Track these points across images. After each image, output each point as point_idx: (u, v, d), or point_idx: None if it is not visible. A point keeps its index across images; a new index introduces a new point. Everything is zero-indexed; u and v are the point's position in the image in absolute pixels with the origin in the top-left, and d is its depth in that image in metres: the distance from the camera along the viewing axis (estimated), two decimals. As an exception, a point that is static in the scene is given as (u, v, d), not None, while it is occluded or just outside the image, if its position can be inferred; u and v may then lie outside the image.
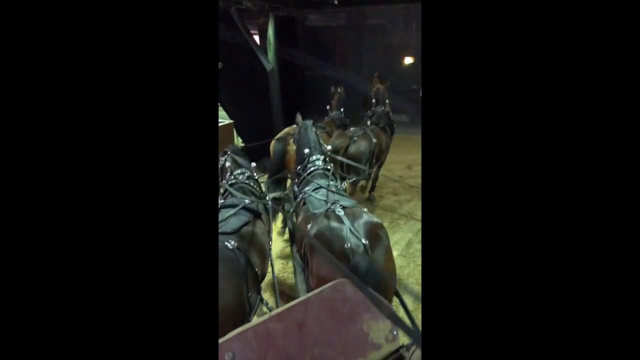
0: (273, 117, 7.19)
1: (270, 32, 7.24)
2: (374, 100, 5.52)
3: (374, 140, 4.46)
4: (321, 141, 2.98)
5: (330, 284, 1.28)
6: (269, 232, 2.45)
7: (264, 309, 2.09)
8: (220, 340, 1.09)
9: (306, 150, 2.85)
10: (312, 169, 2.70)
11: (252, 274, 1.92)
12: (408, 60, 9.12)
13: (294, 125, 4.44)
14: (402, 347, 1.22)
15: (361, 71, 8.94)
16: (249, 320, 1.85)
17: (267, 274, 2.29)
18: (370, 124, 5.02)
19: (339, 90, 5.89)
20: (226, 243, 1.84)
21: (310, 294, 1.27)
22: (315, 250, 1.92)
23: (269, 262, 2.31)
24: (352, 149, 4.25)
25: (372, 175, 5.12)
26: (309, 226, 2.08)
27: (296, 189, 2.70)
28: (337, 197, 2.26)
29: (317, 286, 1.86)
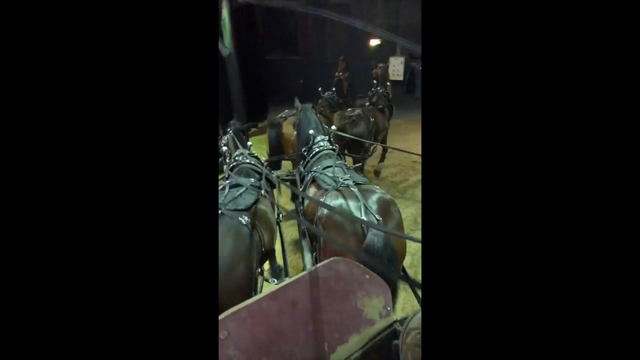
0: (233, 103, 7.05)
1: (225, 15, 6.99)
2: (374, 81, 5.65)
3: (372, 120, 4.55)
4: (322, 123, 2.99)
5: (324, 262, 1.28)
6: (276, 205, 2.45)
7: (272, 285, 2.08)
8: None
9: (310, 131, 2.85)
10: (317, 149, 2.70)
11: (260, 250, 1.94)
12: (374, 42, 9.07)
13: (287, 111, 4.35)
14: (396, 321, 1.25)
15: (325, 54, 8.90)
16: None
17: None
18: (369, 104, 5.11)
19: (340, 75, 5.98)
20: (240, 219, 1.85)
21: (304, 272, 1.27)
22: (328, 225, 1.90)
23: (275, 237, 2.31)
24: (352, 130, 4.28)
25: (375, 154, 5.21)
26: (322, 199, 2.04)
27: (302, 169, 2.69)
28: (347, 174, 2.22)
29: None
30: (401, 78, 10.08)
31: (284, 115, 4.55)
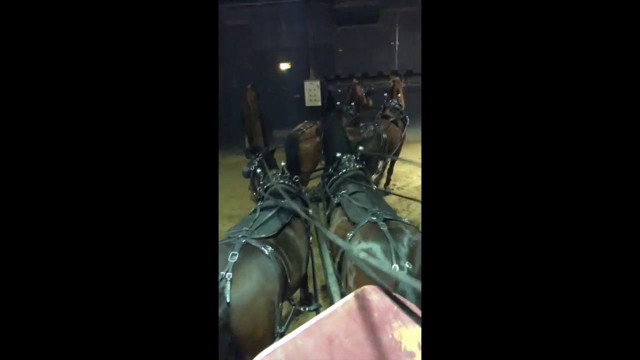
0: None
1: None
2: (385, 94, 5.76)
3: (384, 137, 4.58)
4: (349, 138, 3.02)
5: (354, 292, 1.27)
6: (308, 229, 2.45)
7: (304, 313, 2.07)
8: None
9: (338, 154, 2.87)
10: (344, 170, 2.70)
11: (283, 281, 1.89)
12: (284, 66, 8.88)
13: (305, 122, 4.44)
14: None
15: (229, 83, 8.65)
16: (279, 332, 1.82)
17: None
18: (382, 117, 5.18)
19: (359, 88, 6.11)
20: (262, 248, 1.82)
21: (336, 304, 1.25)
22: (359, 267, 1.83)
23: (305, 265, 2.27)
24: (363, 147, 4.30)
25: (387, 168, 5.29)
26: (349, 235, 2.02)
27: (327, 189, 2.66)
28: (374, 205, 2.18)
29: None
30: (319, 103, 9.68)
31: (301, 128, 4.60)
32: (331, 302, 1.78)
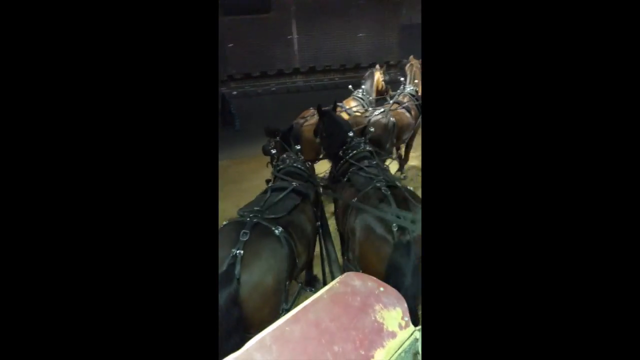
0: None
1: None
2: (402, 79, 5.60)
3: (392, 120, 4.50)
4: (353, 123, 3.15)
5: (337, 278, 1.32)
6: (319, 212, 2.52)
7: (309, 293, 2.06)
8: (240, 351, 1.07)
9: (350, 134, 2.99)
10: (353, 152, 2.81)
11: (292, 262, 1.95)
12: None
13: (311, 109, 4.33)
14: (415, 330, 1.31)
15: None
16: (284, 308, 1.89)
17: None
18: (393, 103, 5.03)
19: (379, 74, 5.92)
20: (273, 228, 1.88)
21: (321, 291, 1.29)
22: (363, 222, 1.98)
23: (313, 247, 2.34)
24: (369, 132, 4.23)
25: (400, 154, 5.20)
26: (354, 200, 2.16)
27: (336, 173, 2.77)
28: (381, 175, 2.36)
29: (360, 256, 1.98)
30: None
31: (306, 116, 4.54)
32: None
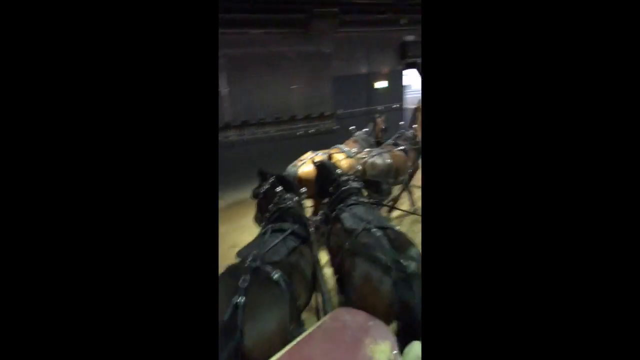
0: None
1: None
2: (401, 123, 5.67)
3: (388, 161, 4.56)
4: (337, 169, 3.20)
5: (329, 314, 1.36)
6: (316, 256, 2.50)
7: None
8: None
9: (338, 171, 3.08)
10: (343, 188, 2.86)
11: (294, 305, 1.92)
12: None
13: (309, 153, 4.43)
14: None
15: None
16: None
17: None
18: (392, 144, 5.08)
19: (380, 121, 6.07)
20: (273, 273, 1.86)
21: (313, 326, 1.32)
22: (358, 265, 2.00)
23: (312, 289, 2.31)
24: (368, 169, 4.29)
25: (400, 194, 5.12)
26: (346, 244, 2.16)
27: (327, 210, 2.78)
28: (370, 215, 2.37)
29: (358, 299, 1.95)
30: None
31: (303, 159, 4.56)
32: None
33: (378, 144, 5.89)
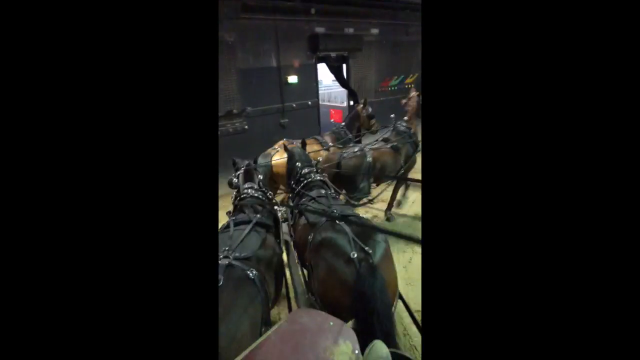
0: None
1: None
2: (392, 116, 5.19)
3: (368, 160, 4.24)
4: (309, 157, 3.27)
5: (288, 316, 1.29)
6: (280, 242, 2.55)
7: None
8: None
9: (297, 164, 3.05)
10: (304, 181, 2.86)
11: (266, 303, 1.96)
12: None
13: (282, 141, 4.16)
14: None
15: None
16: None
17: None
18: (380, 140, 4.72)
19: (363, 107, 5.54)
20: (247, 271, 1.87)
21: (270, 330, 1.23)
22: (321, 259, 2.01)
23: (281, 283, 2.35)
24: (343, 166, 4.07)
25: (393, 193, 4.94)
26: (310, 236, 2.17)
27: (291, 203, 2.86)
28: (333, 206, 2.41)
29: (323, 294, 1.97)
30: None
31: (276, 147, 4.35)
32: None
33: (357, 136, 5.61)
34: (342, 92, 9.13)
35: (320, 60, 8.03)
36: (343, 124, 5.63)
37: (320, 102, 8.50)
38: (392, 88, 9.73)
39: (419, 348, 2.88)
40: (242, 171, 3.12)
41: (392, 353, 1.26)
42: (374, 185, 4.60)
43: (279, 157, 4.30)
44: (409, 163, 4.90)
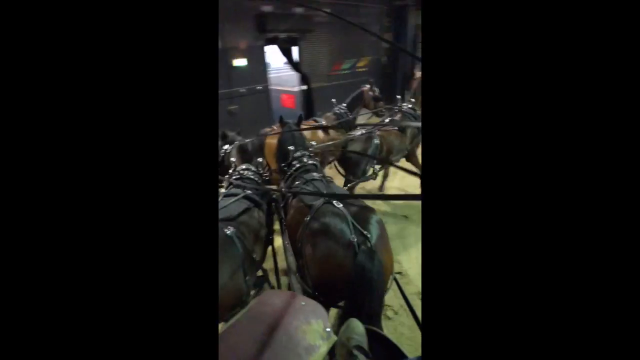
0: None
1: None
2: (398, 97, 5.08)
3: (375, 142, 4.13)
4: (305, 139, 3.19)
5: (257, 298, 1.29)
6: (271, 223, 2.64)
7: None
8: None
9: (290, 147, 2.99)
10: (297, 165, 2.84)
11: (248, 258, 2.11)
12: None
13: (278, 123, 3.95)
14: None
15: None
16: (246, 302, 2.06)
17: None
18: (387, 121, 4.59)
19: (368, 92, 5.32)
20: (224, 230, 2.02)
21: (241, 312, 1.22)
22: (318, 242, 2.01)
23: (266, 248, 2.48)
24: (350, 149, 3.95)
25: (381, 173, 4.77)
26: (306, 218, 2.14)
27: (283, 186, 2.84)
28: (330, 189, 2.44)
29: (318, 276, 2.01)
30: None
31: (274, 127, 4.24)
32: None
33: (352, 118, 5.45)
34: (294, 75, 8.94)
35: (270, 42, 7.71)
36: (344, 104, 5.40)
37: (272, 87, 8.27)
38: (344, 72, 9.64)
39: (406, 332, 2.98)
40: (235, 146, 3.13)
41: (367, 330, 1.27)
42: (377, 167, 4.61)
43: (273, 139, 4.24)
44: (413, 144, 4.95)
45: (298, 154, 3.00)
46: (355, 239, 1.92)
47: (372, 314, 1.79)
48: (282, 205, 2.73)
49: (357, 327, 1.29)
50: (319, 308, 1.33)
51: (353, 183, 4.35)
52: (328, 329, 1.29)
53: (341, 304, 2.00)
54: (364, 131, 4.36)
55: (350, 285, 1.84)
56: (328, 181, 2.69)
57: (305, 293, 2.08)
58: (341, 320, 1.83)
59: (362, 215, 2.08)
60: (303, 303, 1.32)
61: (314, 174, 2.72)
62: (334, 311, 2.08)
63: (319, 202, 2.21)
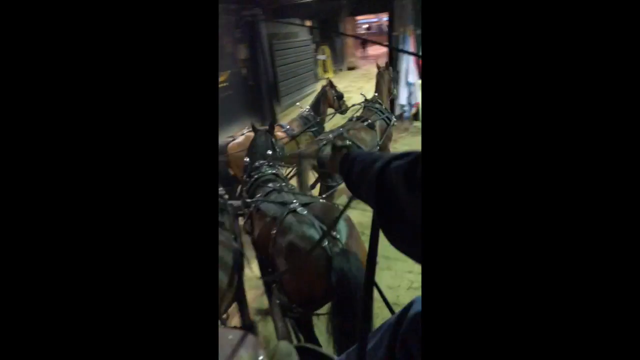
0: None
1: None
2: (361, 94, 5.15)
3: (348, 142, 3.53)
4: (276, 147, 3.12)
5: None
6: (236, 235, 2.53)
7: None
8: None
9: (246, 159, 3.00)
10: (256, 175, 2.77)
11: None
12: None
13: (245, 129, 3.87)
14: None
15: None
16: None
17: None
18: (356, 120, 4.55)
19: (331, 87, 5.31)
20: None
21: None
22: (290, 256, 1.98)
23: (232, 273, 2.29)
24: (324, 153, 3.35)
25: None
26: (273, 232, 2.09)
27: (245, 197, 2.73)
28: (291, 196, 2.34)
29: (296, 289, 2.04)
30: None
31: (234, 136, 4.31)
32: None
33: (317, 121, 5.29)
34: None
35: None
36: (308, 107, 5.41)
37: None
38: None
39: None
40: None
41: (298, 348, 1.25)
42: None
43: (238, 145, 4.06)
44: (384, 138, 4.90)
45: (256, 164, 2.96)
46: (326, 242, 1.90)
47: (365, 309, 1.79)
48: (247, 218, 2.65)
49: (286, 347, 1.29)
50: (249, 338, 1.29)
51: (333, 189, 4.26)
52: (261, 357, 1.26)
53: (322, 310, 2.03)
54: (334, 133, 4.34)
55: (332, 291, 1.84)
56: (289, 189, 2.66)
57: (285, 306, 2.10)
58: (334, 329, 1.87)
59: (328, 216, 2.08)
60: (231, 336, 1.28)
61: (273, 183, 2.68)
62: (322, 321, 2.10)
63: (283, 212, 2.18)
